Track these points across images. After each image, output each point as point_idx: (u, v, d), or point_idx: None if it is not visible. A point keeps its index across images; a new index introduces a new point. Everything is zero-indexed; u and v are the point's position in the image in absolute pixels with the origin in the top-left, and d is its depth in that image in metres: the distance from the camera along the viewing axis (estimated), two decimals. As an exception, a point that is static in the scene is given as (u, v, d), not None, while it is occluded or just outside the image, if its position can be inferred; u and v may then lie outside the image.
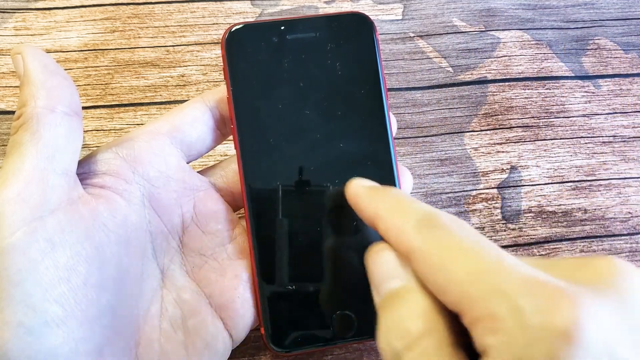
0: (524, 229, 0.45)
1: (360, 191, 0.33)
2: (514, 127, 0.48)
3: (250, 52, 0.37)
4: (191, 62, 0.50)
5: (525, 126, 0.49)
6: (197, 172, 0.38)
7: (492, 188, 0.47)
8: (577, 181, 0.47)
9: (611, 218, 0.46)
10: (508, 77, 0.50)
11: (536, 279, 0.24)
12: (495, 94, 0.50)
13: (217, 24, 0.51)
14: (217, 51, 0.50)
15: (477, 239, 0.27)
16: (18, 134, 0.30)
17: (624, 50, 0.52)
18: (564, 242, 0.45)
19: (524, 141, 0.48)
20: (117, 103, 0.48)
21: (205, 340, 0.35)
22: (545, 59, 0.51)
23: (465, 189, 0.46)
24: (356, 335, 0.37)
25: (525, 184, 0.47)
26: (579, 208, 0.46)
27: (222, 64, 0.44)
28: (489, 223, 0.45)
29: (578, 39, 0.52)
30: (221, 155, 0.47)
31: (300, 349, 0.37)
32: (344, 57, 0.38)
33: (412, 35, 0.52)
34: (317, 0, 0.53)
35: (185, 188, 0.37)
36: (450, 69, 0.51)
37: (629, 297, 0.24)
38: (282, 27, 0.38)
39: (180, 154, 0.37)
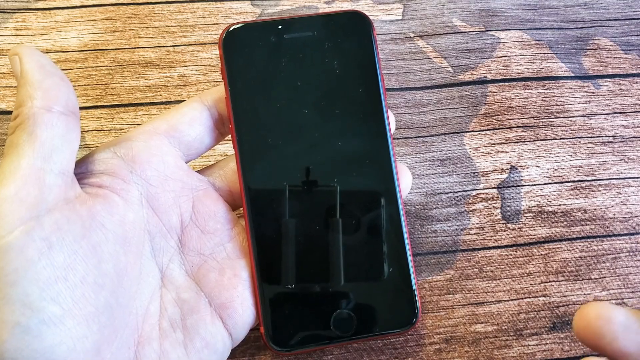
0: (523, 229, 0.45)
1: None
2: (513, 127, 0.48)
3: (248, 51, 0.38)
4: (191, 62, 0.50)
5: (525, 126, 0.49)
6: (196, 171, 0.39)
7: (492, 188, 0.46)
8: (577, 181, 0.47)
9: (611, 218, 0.46)
10: (508, 77, 0.50)
11: None
12: (495, 94, 0.50)
13: (217, 24, 0.51)
14: (217, 51, 0.50)
15: None
16: (15, 134, 0.30)
17: (623, 50, 0.52)
18: (564, 242, 0.45)
19: (524, 141, 0.48)
20: (118, 103, 0.48)
21: (205, 339, 0.35)
22: (545, 59, 0.51)
23: (465, 189, 0.46)
24: (356, 334, 0.37)
25: (525, 184, 0.47)
26: (579, 208, 0.46)
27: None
28: (488, 223, 0.45)
29: (578, 39, 0.52)
30: (221, 155, 0.47)
31: (300, 348, 0.37)
32: (342, 56, 0.38)
33: (412, 35, 0.52)
34: (317, 0, 0.53)
35: (183, 187, 0.37)
36: (450, 69, 0.51)
37: None
38: (280, 27, 0.38)
39: (179, 154, 0.37)
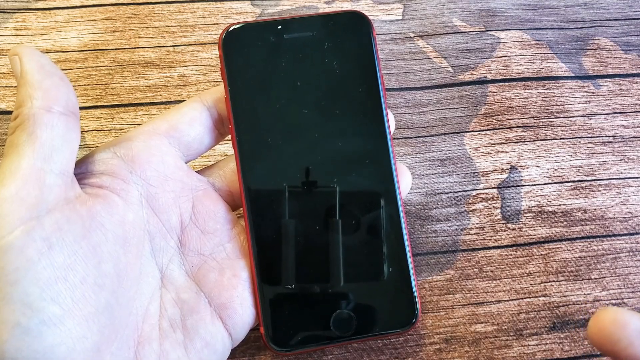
0: (523, 229, 0.45)
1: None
2: (514, 127, 0.48)
3: (247, 51, 0.38)
4: (191, 62, 0.50)
5: (525, 126, 0.49)
6: (196, 172, 0.39)
7: (492, 188, 0.46)
8: (577, 181, 0.47)
9: (611, 218, 0.46)
10: (508, 77, 0.50)
11: None
12: (495, 94, 0.50)
13: (217, 24, 0.51)
14: (217, 51, 0.50)
15: None
16: (15, 135, 0.30)
17: (624, 50, 0.52)
18: (564, 242, 0.45)
19: (524, 141, 0.48)
20: (118, 103, 0.48)
21: (205, 339, 0.35)
22: (545, 59, 0.51)
23: (465, 189, 0.46)
24: (356, 335, 0.37)
25: (525, 184, 0.47)
26: (579, 208, 0.46)
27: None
28: (488, 223, 0.45)
29: (578, 39, 0.52)
30: (221, 155, 0.47)
31: (300, 348, 0.37)
32: (342, 56, 0.38)
33: (412, 35, 0.52)
34: (317, 0, 0.53)
35: (183, 188, 0.37)
36: (450, 69, 0.51)
37: None
38: (279, 27, 0.38)
39: (178, 154, 0.37)
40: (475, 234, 0.45)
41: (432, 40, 0.52)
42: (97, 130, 0.47)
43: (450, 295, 0.43)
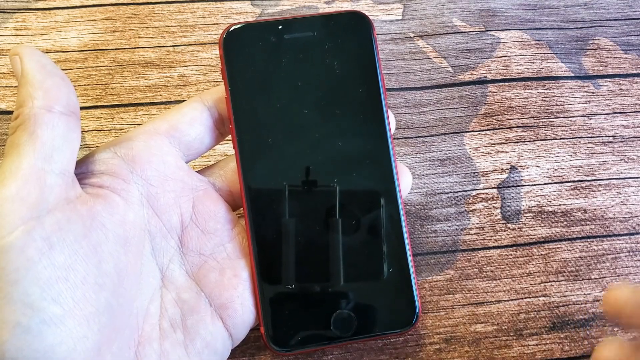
0: (523, 229, 0.45)
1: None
2: (513, 127, 0.48)
3: (248, 51, 0.38)
4: (191, 62, 0.50)
5: (525, 126, 0.49)
6: (196, 171, 0.39)
7: (492, 188, 0.46)
8: (577, 181, 0.47)
9: (611, 218, 0.46)
10: (508, 77, 0.50)
11: None
12: (495, 94, 0.50)
13: (217, 24, 0.51)
14: (217, 51, 0.50)
15: None
16: (16, 134, 0.30)
17: (623, 50, 0.52)
18: (564, 242, 0.45)
19: (524, 141, 0.48)
20: (118, 103, 0.48)
21: (205, 339, 0.35)
22: (545, 59, 0.51)
23: (465, 189, 0.46)
24: (356, 335, 0.37)
25: (525, 184, 0.47)
26: (579, 208, 0.46)
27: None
28: (488, 223, 0.45)
29: (578, 39, 0.52)
30: (221, 155, 0.47)
31: (300, 348, 0.37)
32: (342, 56, 0.38)
33: (412, 35, 0.52)
34: (317, 0, 0.53)
35: (184, 188, 0.37)
36: (450, 69, 0.51)
37: None
38: (280, 27, 0.38)
39: (179, 154, 0.37)
40: (475, 234, 0.45)
41: (432, 40, 0.52)
42: (97, 130, 0.47)
43: (450, 295, 0.43)
